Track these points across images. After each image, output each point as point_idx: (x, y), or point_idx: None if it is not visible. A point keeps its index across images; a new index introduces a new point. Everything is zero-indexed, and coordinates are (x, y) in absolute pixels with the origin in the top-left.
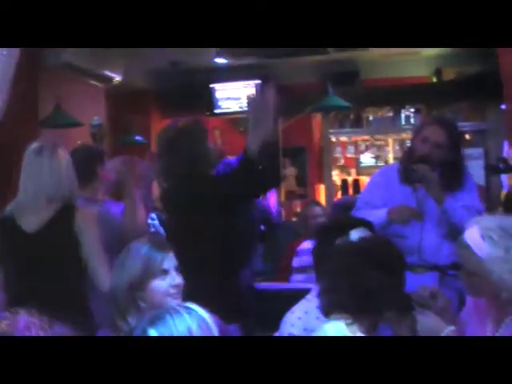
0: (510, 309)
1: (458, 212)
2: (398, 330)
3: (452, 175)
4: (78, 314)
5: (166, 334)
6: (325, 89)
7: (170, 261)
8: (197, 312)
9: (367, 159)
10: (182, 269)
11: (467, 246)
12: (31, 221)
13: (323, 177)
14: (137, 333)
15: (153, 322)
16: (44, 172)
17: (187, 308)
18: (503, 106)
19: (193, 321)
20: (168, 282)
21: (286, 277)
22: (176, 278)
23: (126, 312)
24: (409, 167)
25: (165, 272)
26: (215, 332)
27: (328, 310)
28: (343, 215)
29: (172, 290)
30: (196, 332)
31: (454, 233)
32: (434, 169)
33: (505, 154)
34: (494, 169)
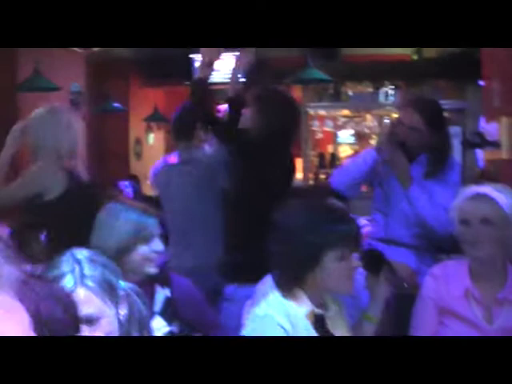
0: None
1: (421, 202)
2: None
3: (434, 163)
4: None
5: None
6: (304, 61)
7: (156, 226)
8: None
9: (345, 136)
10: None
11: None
12: None
13: (301, 150)
14: None
15: None
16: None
17: None
18: (481, 83)
19: None
20: (151, 247)
21: None
22: (159, 244)
23: None
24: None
25: (152, 237)
26: None
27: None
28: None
29: (153, 255)
30: None
31: (417, 219)
32: (415, 154)
33: (481, 129)
34: (469, 143)
